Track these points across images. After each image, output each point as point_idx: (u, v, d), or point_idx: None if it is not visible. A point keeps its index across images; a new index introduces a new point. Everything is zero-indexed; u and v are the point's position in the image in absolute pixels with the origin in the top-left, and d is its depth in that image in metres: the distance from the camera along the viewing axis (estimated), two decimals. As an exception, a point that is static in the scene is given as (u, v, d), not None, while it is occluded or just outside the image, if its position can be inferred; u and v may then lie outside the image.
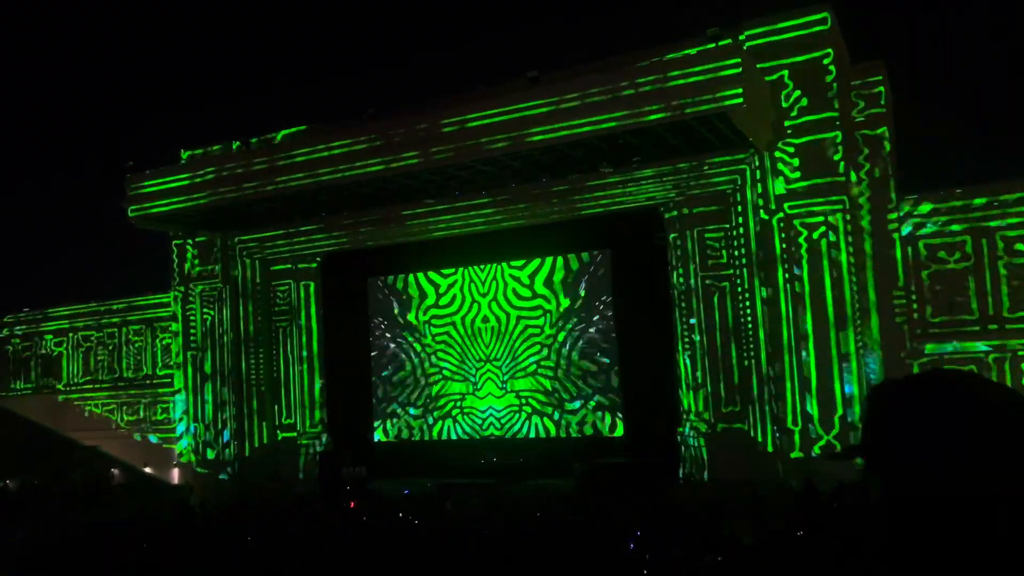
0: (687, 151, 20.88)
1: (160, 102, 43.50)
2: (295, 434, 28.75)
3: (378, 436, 28.62)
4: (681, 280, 23.08)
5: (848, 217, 20.25)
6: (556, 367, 25.86)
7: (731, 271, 22.49)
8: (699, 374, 22.65)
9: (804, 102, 20.19)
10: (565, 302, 25.82)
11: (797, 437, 20.22)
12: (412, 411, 28.09)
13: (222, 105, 40.72)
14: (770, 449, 21.24)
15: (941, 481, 1.59)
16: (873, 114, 20.95)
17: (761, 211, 21.11)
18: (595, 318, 25.45)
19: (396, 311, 28.51)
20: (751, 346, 21.92)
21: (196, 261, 28.65)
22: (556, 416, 25.85)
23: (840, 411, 19.78)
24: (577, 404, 25.61)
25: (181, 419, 29.53)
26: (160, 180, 24.96)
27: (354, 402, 28.71)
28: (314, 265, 29.01)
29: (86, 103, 44.49)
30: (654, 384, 23.70)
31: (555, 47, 37.69)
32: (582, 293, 25.66)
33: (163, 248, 30.18)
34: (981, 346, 20.49)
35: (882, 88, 21.01)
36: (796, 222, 20.37)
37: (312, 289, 29.07)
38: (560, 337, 25.84)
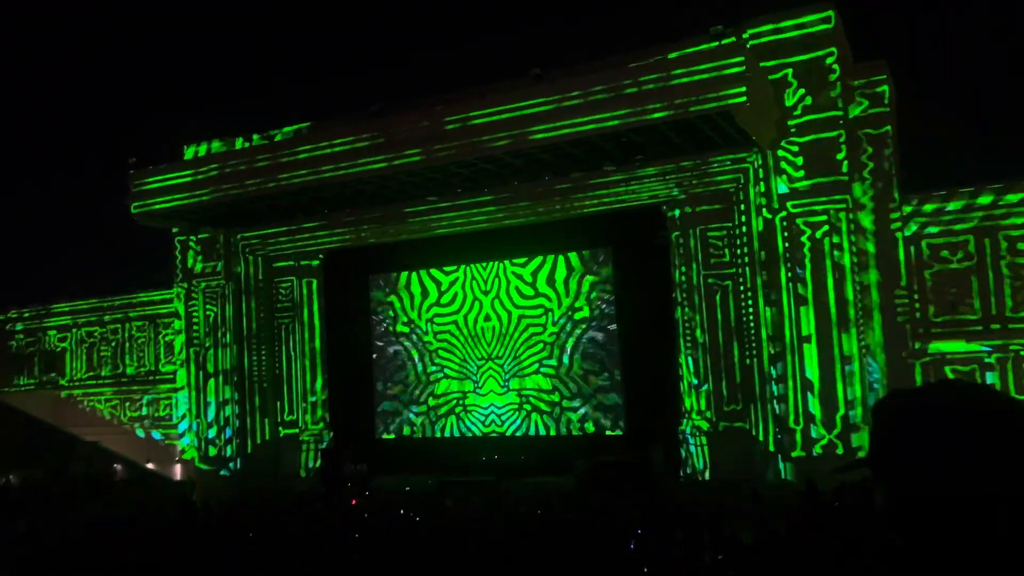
0: (690, 149, 20.86)
1: (163, 99, 43.54)
2: (297, 431, 28.79)
3: (380, 433, 28.65)
4: (683, 279, 23.06)
5: (851, 216, 20.24)
6: (558, 365, 25.86)
7: (733, 270, 22.47)
8: (701, 372, 22.63)
9: (807, 101, 20.17)
10: (567, 300, 25.81)
11: (799, 436, 20.21)
12: (414, 408, 28.11)
13: (226, 102, 40.78)
14: (771, 448, 21.23)
15: (942, 481, 1.60)
16: (876, 113, 20.91)
17: (764, 210, 21.09)
18: (597, 316, 25.44)
19: (398, 308, 28.52)
20: (753, 345, 21.90)
21: (199, 258, 28.69)
22: (557, 414, 25.85)
23: (842, 411, 19.77)
24: (578, 402, 25.61)
25: (184, 417, 29.59)
26: (163, 176, 25.00)
27: (356, 399, 28.73)
28: (316, 262, 29.04)
29: (89, 100, 44.54)
30: (655, 382, 23.69)
31: (558, 45, 37.67)
32: (584, 291, 25.64)
33: (166, 245, 30.22)
34: (983, 346, 20.46)
35: (886, 87, 20.97)
36: (799, 221, 20.35)
37: (314, 286, 29.09)
38: (562, 335, 25.84)
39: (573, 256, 25.84)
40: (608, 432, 25.10)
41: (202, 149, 28.81)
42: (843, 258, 20.07)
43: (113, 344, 33.57)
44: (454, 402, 27.41)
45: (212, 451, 28.19)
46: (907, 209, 21.06)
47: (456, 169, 21.94)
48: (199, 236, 28.47)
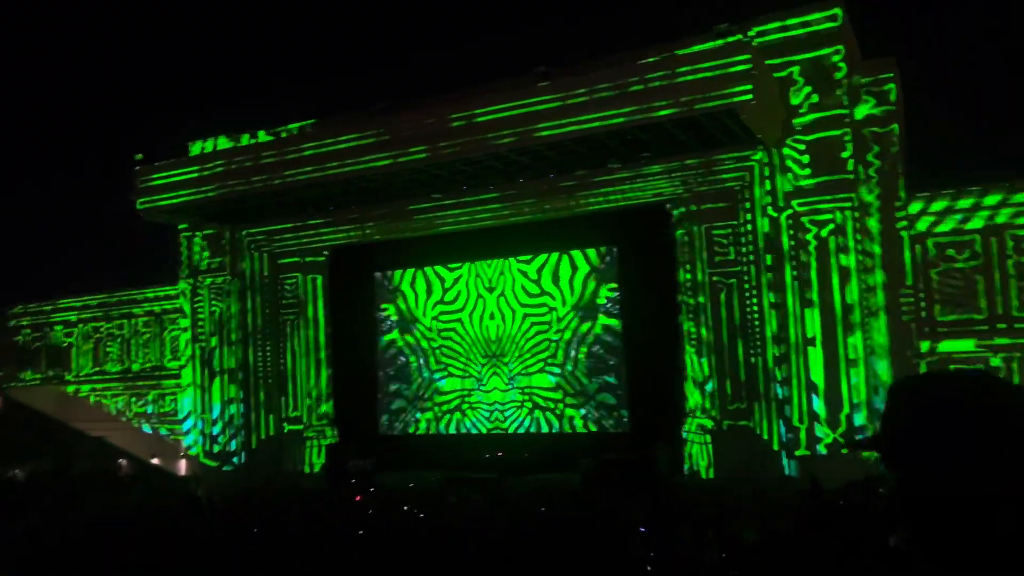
0: (695, 147, 20.82)
1: (169, 96, 43.61)
2: (301, 427, 28.84)
3: (384, 430, 28.69)
4: (688, 277, 23.03)
5: (857, 215, 20.19)
6: (562, 363, 25.86)
7: (739, 268, 22.41)
8: (705, 371, 22.60)
9: (814, 99, 20.13)
10: (572, 298, 25.80)
11: (803, 435, 20.19)
12: (418, 405, 28.14)
13: (232, 99, 40.83)
14: (776, 447, 21.22)
15: (945, 481, 1.60)
16: (883, 111, 20.84)
17: (769, 208, 21.05)
18: (601, 314, 25.43)
19: (403, 305, 28.54)
20: (758, 343, 21.87)
21: (205, 254, 28.76)
22: (561, 411, 25.85)
23: (847, 409, 19.74)
24: (583, 400, 25.61)
25: (188, 415, 29.67)
26: (169, 173, 25.06)
27: (360, 395, 28.77)
28: (322, 259, 29.07)
29: (93, 97, 44.62)
30: (660, 380, 23.66)
31: (564, 43, 37.65)
32: (589, 289, 25.63)
33: (167, 242, 30.30)
34: (989, 344, 20.41)
35: (892, 85, 20.90)
36: (804, 219, 20.32)
37: (319, 283, 29.13)
38: (566, 333, 25.83)
39: (578, 254, 25.83)
40: (612, 430, 25.09)
41: (208, 145, 28.86)
42: (849, 257, 20.03)
43: (119, 339, 33.68)
44: (458, 399, 27.43)
45: (217, 447, 28.27)
46: (915, 208, 20.99)
47: (461, 166, 21.95)
48: (205, 232, 28.54)
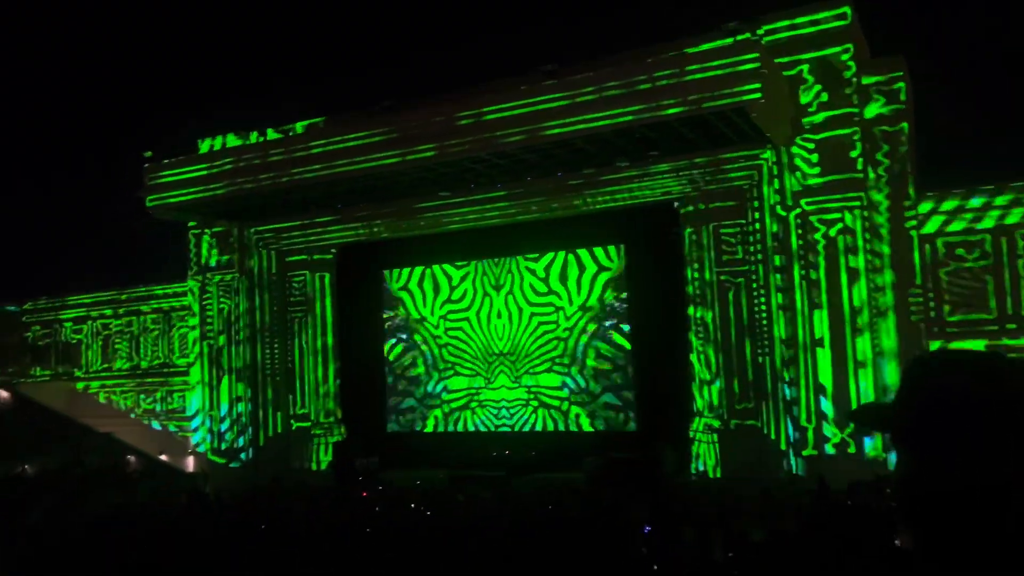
0: (704, 146, 20.78)
1: (177, 93, 43.73)
2: (309, 424, 28.90)
3: (391, 427, 28.73)
4: (696, 276, 22.98)
5: (866, 214, 20.12)
6: (569, 362, 25.84)
7: (747, 267, 22.35)
8: (713, 370, 22.56)
9: (823, 98, 20.06)
10: (579, 297, 25.78)
11: (811, 435, 20.14)
12: (425, 403, 28.17)
13: (241, 97, 40.91)
14: (783, 447, 21.17)
15: (958, 471, 1.59)
16: (893, 110, 20.75)
17: (778, 207, 20.99)
18: (609, 313, 25.40)
19: (410, 303, 28.57)
20: (765, 343, 21.81)
21: (213, 251, 28.85)
22: (568, 410, 25.84)
23: (854, 408, 19.66)
24: (589, 399, 25.60)
25: (197, 413, 29.77)
26: (178, 170, 25.15)
27: (368, 393, 28.82)
28: (329, 256, 29.12)
29: (99, 94, 44.78)
30: (667, 380, 23.63)
31: (572, 41, 37.60)
32: (597, 288, 25.60)
33: (177, 239, 30.42)
34: (998, 345, 20.30)
35: (902, 84, 20.80)
36: (813, 219, 20.25)
37: (327, 280, 29.18)
38: (574, 332, 25.81)
39: (585, 253, 25.80)
40: (619, 429, 25.06)
41: (217, 143, 28.93)
42: (858, 256, 19.96)
43: (128, 336, 33.82)
44: (465, 398, 27.44)
45: (225, 444, 28.36)
46: (924, 208, 20.88)
47: (469, 164, 21.96)
48: (213, 230, 28.62)
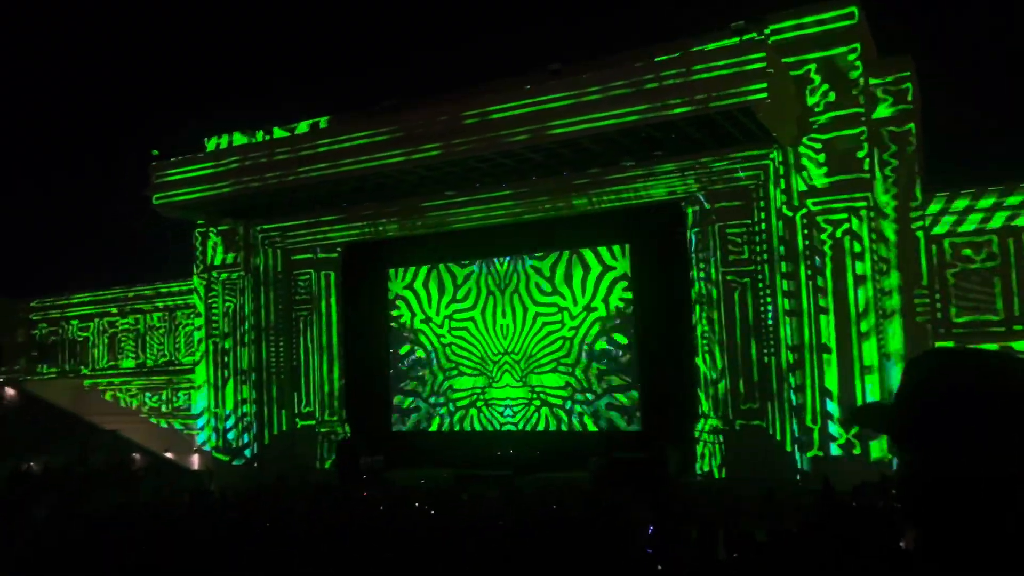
0: (710, 145, 20.75)
1: (183, 92, 43.82)
2: (313, 422, 28.96)
3: (396, 426, 28.76)
4: (702, 276, 22.94)
5: (872, 214, 20.06)
6: (574, 361, 25.82)
7: (752, 267, 22.30)
8: (718, 370, 22.51)
9: (830, 98, 19.99)
10: (584, 296, 25.76)
11: (816, 435, 20.08)
12: (430, 401, 28.19)
13: (247, 96, 40.99)
14: (788, 448, 21.11)
15: (965, 462, 1.58)
16: (900, 110, 20.68)
17: (784, 208, 20.94)
18: (614, 312, 25.37)
19: (415, 302, 28.59)
20: (771, 343, 21.76)
21: (219, 250, 28.92)
22: (572, 409, 25.83)
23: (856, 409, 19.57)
24: (594, 398, 25.57)
25: (202, 412, 29.84)
26: (184, 168, 25.22)
27: (372, 391, 28.86)
28: (335, 255, 29.15)
29: (101, 92, 44.91)
30: (672, 380, 23.61)
31: (578, 40, 37.54)
32: (602, 287, 25.58)
33: (179, 237, 30.53)
34: (1006, 346, 20.21)
35: (910, 84, 20.73)
36: (819, 219, 20.19)
37: (332, 279, 29.22)
38: (579, 331, 25.79)
39: (590, 252, 25.79)
40: (624, 429, 25.04)
41: (223, 141, 29.00)
42: (864, 256, 19.90)
43: (134, 334, 33.93)
44: (470, 397, 27.45)
45: (230, 442, 28.42)
46: (931, 208, 20.79)
47: (475, 163, 21.96)
48: (219, 228, 28.69)
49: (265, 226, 28.39)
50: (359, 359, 29.11)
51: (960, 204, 20.68)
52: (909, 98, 20.66)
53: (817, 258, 20.18)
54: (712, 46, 19.41)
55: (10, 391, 35.55)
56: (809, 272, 20.36)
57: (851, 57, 19.85)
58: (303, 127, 27.00)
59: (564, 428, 25.88)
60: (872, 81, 20.47)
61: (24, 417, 33.26)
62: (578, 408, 25.77)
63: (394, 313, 29.03)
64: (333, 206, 26.34)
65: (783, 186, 20.92)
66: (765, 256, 21.89)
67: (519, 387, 26.59)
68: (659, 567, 7.18)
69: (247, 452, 28.13)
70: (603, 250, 25.60)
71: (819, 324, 20.13)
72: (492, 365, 27.05)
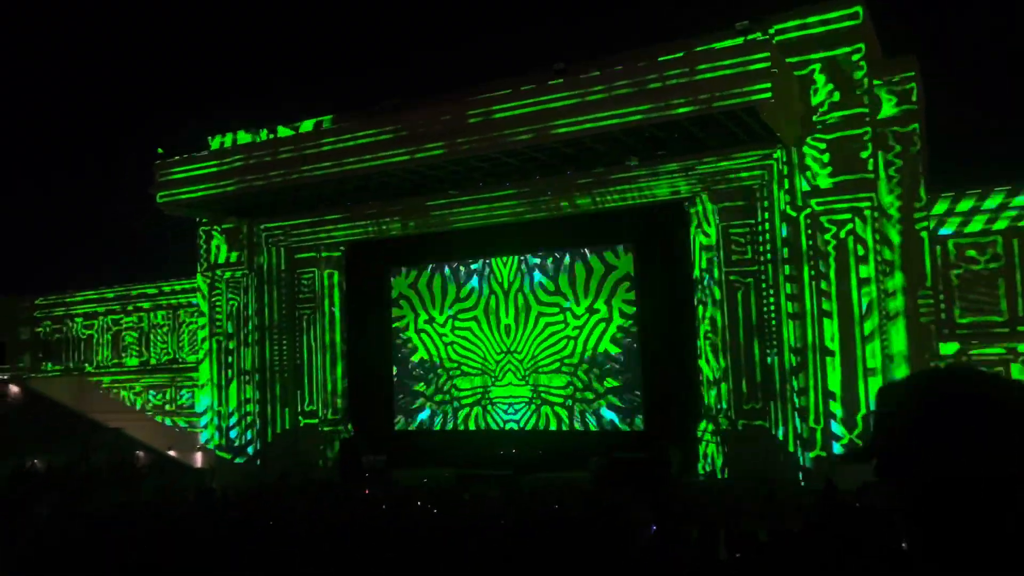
0: (713, 145, 20.72)
1: (187, 91, 43.89)
2: (316, 421, 28.98)
3: (398, 425, 28.79)
4: (705, 275, 22.92)
5: (876, 215, 20.01)
6: (577, 361, 25.82)
7: (756, 267, 22.27)
8: (721, 370, 22.49)
9: (834, 97, 19.95)
10: (587, 295, 25.76)
11: (819, 436, 20.05)
12: (434, 400, 28.21)
13: (246, 96, 41.04)
14: (791, 448, 21.08)
15: (965, 462, 1.58)
16: (904, 110, 20.63)
17: (788, 207, 20.91)
18: (617, 312, 25.37)
19: (418, 301, 28.61)
20: (774, 343, 21.74)
21: (223, 248, 28.94)
22: (575, 409, 25.83)
23: (864, 410, 19.57)
24: (596, 398, 25.57)
25: (206, 411, 29.88)
26: (188, 167, 25.24)
27: (375, 390, 28.90)
28: (338, 254, 29.18)
29: (103, 93, 44.99)
30: (675, 380, 23.60)
31: (582, 39, 37.54)
32: (605, 287, 25.57)
33: (187, 236, 30.57)
34: (1010, 347, 20.16)
35: (914, 84, 20.68)
36: (823, 219, 20.16)
37: (336, 278, 29.26)
38: (582, 330, 25.79)
39: (593, 252, 25.78)
40: (626, 429, 25.04)
41: (227, 140, 29.03)
42: (868, 257, 19.86)
43: (137, 332, 34.00)
44: (473, 396, 27.46)
45: (233, 440, 28.45)
46: (935, 209, 20.74)
47: (478, 163, 21.95)
48: (223, 226, 28.71)
49: (269, 225, 28.42)
50: (362, 358, 29.14)
51: (965, 205, 20.64)
52: (913, 98, 20.61)
53: (820, 261, 20.13)
54: (716, 46, 19.36)
55: (14, 388, 35.64)
56: (812, 273, 20.32)
57: (855, 57, 19.80)
58: (307, 126, 27.01)
59: (565, 428, 25.88)
60: (876, 81, 20.43)
61: (28, 415, 33.35)
62: (580, 408, 25.77)
63: (397, 312, 29.06)
64: (337, 205, 26.35)
65: (787, 186, 20.88)
66: (768, 256, 21.87)
67: (521, 387, 26.59)
68: (660, 567, 7.17)
69: (249, 449, 28.16)
70: (607, 249, 25.60)
71: (823, 325, 20.09)
72: (495, 365, 27.05)
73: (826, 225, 20.12)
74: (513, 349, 26.76)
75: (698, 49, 19.65)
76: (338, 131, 23.43)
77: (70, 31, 46.26)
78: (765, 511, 13.00)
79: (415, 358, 28.67)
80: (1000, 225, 20.33)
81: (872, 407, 19.32)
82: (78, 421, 32.62)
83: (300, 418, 29.26)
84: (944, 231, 20.73)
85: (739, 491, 17.15)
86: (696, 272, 23.17)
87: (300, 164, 23.17)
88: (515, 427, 26.62)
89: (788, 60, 19.51)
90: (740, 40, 18.51)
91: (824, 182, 20.05)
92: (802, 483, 20.07)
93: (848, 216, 19.93)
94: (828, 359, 19.93)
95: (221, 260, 28.94)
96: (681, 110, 18.35)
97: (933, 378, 1.83)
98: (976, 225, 20.52)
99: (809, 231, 20.44)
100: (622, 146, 20.63)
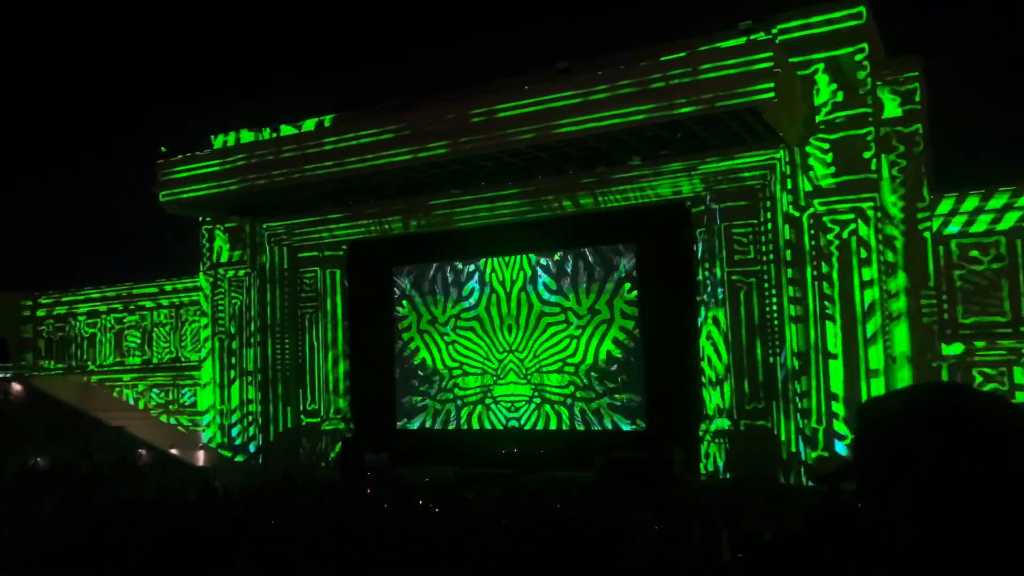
0: (716, 145, 20.72)
1: (187, 89, 43.93)
2: (318, 419, 29.01)
3: (400, 424, 28.80)
4: (707, 275, 22.92)
5: (879, 215, 19.99)
6: (579, 360, 25.82)
7: (758, 267, 22.26)
8: (723, 370, 22.48)
9: (838, 98, 19.93)
10: (590, 295, 25.75)
11: (821, 436, 20.03)
12: (436, 399, 28.22)
13: (251, 93, 41.05)
14: (793, 448, 21.06)
15: (965, 462, 1.57)
16: (907, 110, 20.61)
17: (791, 208, 20.89)
18: (619, 312, 25.37)
19: (420, 300, 28.63)
20: (776, 343, 21.72)
21: (225, 247, 28.99)
22: (576, 408, 25.83)
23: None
24: (598, 397, 25.57)
25: (208, 409, 29.92)
26: (191, 166, 25.28)
27: (377, 389, 28.93)
28: (340, 253, 29.21)
29: (104, 92, 45.05)
30: (677, 380, 23.59)
31: (585, 38, 37.56)
32: (607, 286, 25.57)
33: (188, 235, 30.63)
34: (1013, 348, 20.13)
35: (917, 84, 20.67)
36: (826, 219, 20.14)
37: (338, 277, 29.29)
38: (585, 330, 25.79)
39: (596, 251, 25.79)
40: (628, 428, 25.04)
41: (230, 139, 29.06)
42: (871, 257, 19.83)
43: (140, 331, 34.06)
44: (475, 395, 27.48)
45: (235, 439, 28.50)
46: (939, 209, 20.71)
47: (481, 162, 21.96)
48: (226, 225, 28.75)
49: (271, 224, 28.45)
50: (364, 357, 29.18)
51: (969, 205, 20.62)
52: (917, 98, 20.60)
53: (824, 263, 20.11)
54: (719, 45, 19.37)
55: (16, 387, 35.68)
56: (815, 273, 20.30)
57: (859, 57, 19.78)
58: (310, 125, 27.04)
59: (567, 427, 25.88)
60: (880, 81, 20.41)
61: (30, 413, 33.38)
62: (582, 407, 25.77)
63: (399, 311, 29.08)
64: (339, 204, 26.38)
65: (789, 186, 20.87)
66: (771, 256, 21.86)
67: (524, 386, 26.60)
68: (661, 567, 7.16)
69: (251, 446, 28.19)
70: (609, 249, 25.60)
71: (825, 325, 20.07)
72: (497, 364, 27.06)
73: (829, 225, 20.10)
74: (515, 348, 26.77)
75: (701, 49, 19.65)
76: (341, 130, 23.46)
77: (70, 31, 46.32)
78: (766, 511, 12.98)
79: (417, 358, 28.68)
80: (1004, 225, 20.31)
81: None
82: (80, 419, 32.63)
83: (302, 417, 29.29)
84: (947, 231, 20.71)
85: (741, 491, 17.14)
86: (698, 272, 23.16)
87: (303, 163, 23.19)
88: (517, 426, 26.63)
89: (791, 60, 19.50)
90: (743, 40, 18.52)
91: (827, 182, 20.03)
92: (808, 483, 20.04)
93: (851, 216, 19.91)
94: (831, 365, 19.90)
95: (223, 259, 28.98)
96: (684, 110, 18.35)
97: (925, 390, 1.84)
98: (980, 225, 20.50)
99: (812, 231, 20.42)
100: (625, 146, 20.64)
